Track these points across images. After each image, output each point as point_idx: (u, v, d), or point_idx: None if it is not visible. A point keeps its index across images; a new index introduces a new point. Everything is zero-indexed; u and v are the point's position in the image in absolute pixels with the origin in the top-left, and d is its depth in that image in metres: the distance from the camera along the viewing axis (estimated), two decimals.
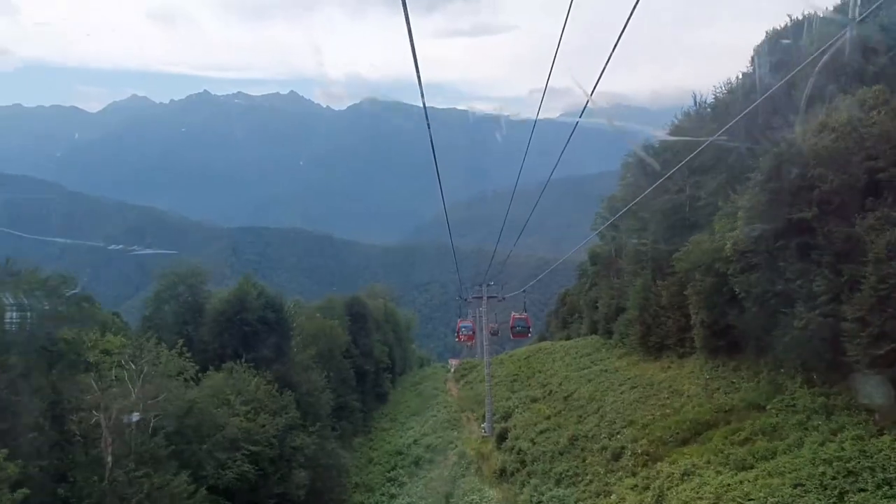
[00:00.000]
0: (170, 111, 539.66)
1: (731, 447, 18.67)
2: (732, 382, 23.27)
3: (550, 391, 35.62)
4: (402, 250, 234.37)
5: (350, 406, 44.31)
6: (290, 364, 34.55)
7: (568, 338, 53.87)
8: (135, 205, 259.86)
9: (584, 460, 24.87)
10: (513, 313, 33.91)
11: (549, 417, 31.64)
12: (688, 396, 24.45)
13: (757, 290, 20.61)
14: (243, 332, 33.28)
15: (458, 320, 39.70)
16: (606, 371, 33.69)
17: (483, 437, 34.53)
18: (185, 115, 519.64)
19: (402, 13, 6.64)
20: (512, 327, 33.26)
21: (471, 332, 39.28)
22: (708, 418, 21.36)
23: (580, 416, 29.10)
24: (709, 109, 32.32)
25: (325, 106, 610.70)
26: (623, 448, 23.00)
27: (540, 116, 14.76)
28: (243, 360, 30.72)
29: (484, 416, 36.21)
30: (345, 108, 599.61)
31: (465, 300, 39.54)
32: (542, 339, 67.09)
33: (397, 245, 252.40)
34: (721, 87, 31.37)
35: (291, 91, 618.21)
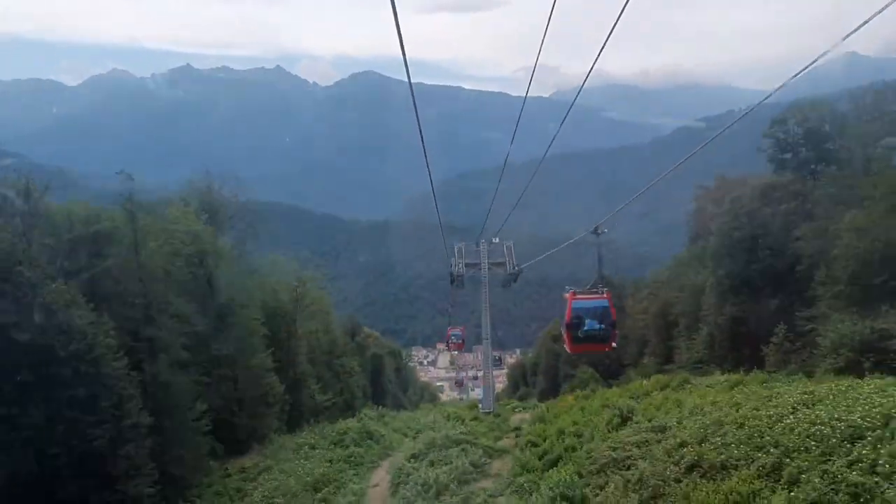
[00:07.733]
0: (151, 85, 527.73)
1: None
2: None
3: None
4: (387, 226, 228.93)
5: None
6: None
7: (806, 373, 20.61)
8: (106, 176, 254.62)
9: None
10: (567, 296, 15.48)
11: None
12: None
13: None
14: None
15: (448, 328, 39.82)
16: None
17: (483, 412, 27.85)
18: (166, 89, 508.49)
19: None
20: (568, 324, 16.07)
21: (460, 341, 39.00)
22: None
23: None
24: None
25: (311, 82, 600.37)
26: None
27: (532, 94, 13.05)
28: None
29: None
30: (332, 83, 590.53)
31: (457, 276, 29.83)
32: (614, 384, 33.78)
33: (383, 221, 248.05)
34: None
35: (277, 66, 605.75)
